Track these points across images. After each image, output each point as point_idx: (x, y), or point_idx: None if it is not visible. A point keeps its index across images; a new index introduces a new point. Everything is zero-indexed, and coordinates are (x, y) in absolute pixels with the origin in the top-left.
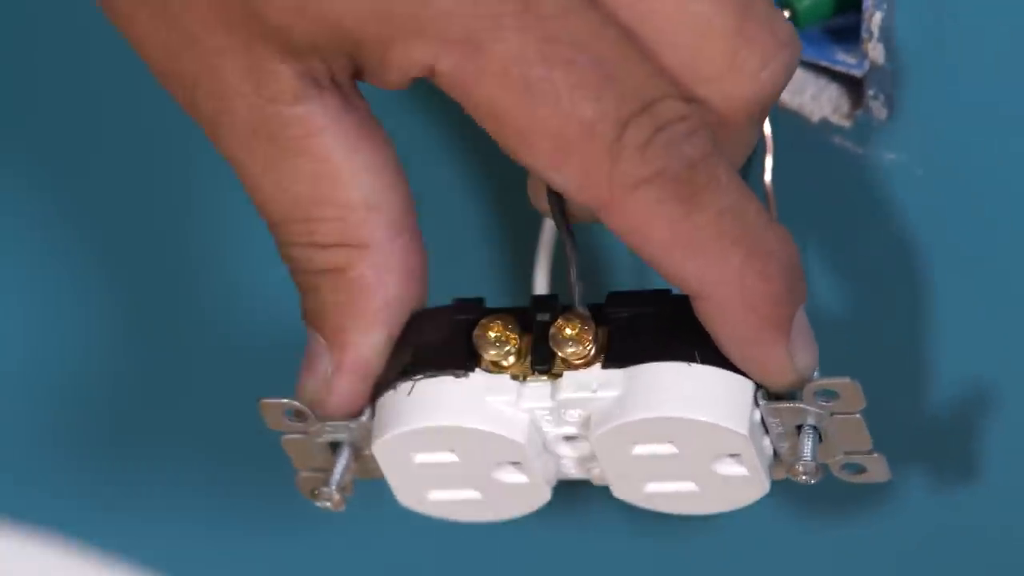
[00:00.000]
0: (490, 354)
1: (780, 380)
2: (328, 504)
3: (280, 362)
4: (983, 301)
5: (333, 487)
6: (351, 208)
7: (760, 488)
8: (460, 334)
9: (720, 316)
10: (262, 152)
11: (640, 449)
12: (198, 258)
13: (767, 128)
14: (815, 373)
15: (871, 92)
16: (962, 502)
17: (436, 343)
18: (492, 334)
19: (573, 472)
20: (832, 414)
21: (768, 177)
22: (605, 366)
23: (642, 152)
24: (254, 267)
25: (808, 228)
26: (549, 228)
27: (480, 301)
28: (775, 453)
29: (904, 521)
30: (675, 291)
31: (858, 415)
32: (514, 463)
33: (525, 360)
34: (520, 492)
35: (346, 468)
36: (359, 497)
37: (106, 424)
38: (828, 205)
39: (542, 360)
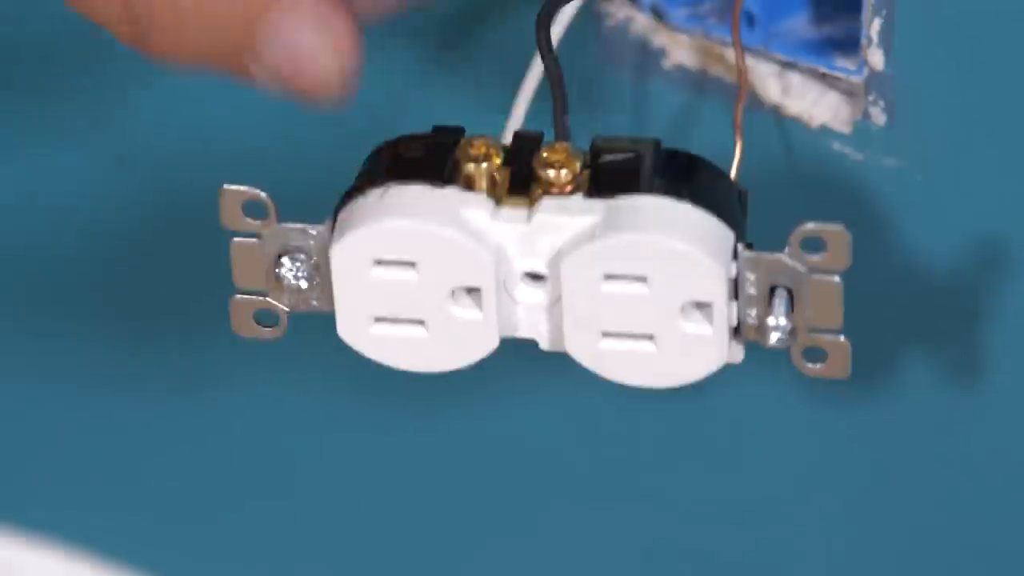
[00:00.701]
0: (470, 168)
1: None
2: (274, 329)
3: None
4: (982, 307)
5: (281, 299)
6: None
7: (717, 358)
8: (440, 151)
9: None
10: None
11: (609, 287)
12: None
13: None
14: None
15: (871, 98)
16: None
17: (414, 158)
18: (474, 151)
19: (523, 329)
20: (812, 273)
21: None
22: (588, 196)
23: None
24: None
25: None
26: (534, 74)
27: (460, 129)
28: (738, 328)
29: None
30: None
31: (838, 279)
32: (473, 291)
33: (503, 185)
34: (469, 334)
35: (294, 281)
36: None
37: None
38: (827, 211)
39: (521, 182)
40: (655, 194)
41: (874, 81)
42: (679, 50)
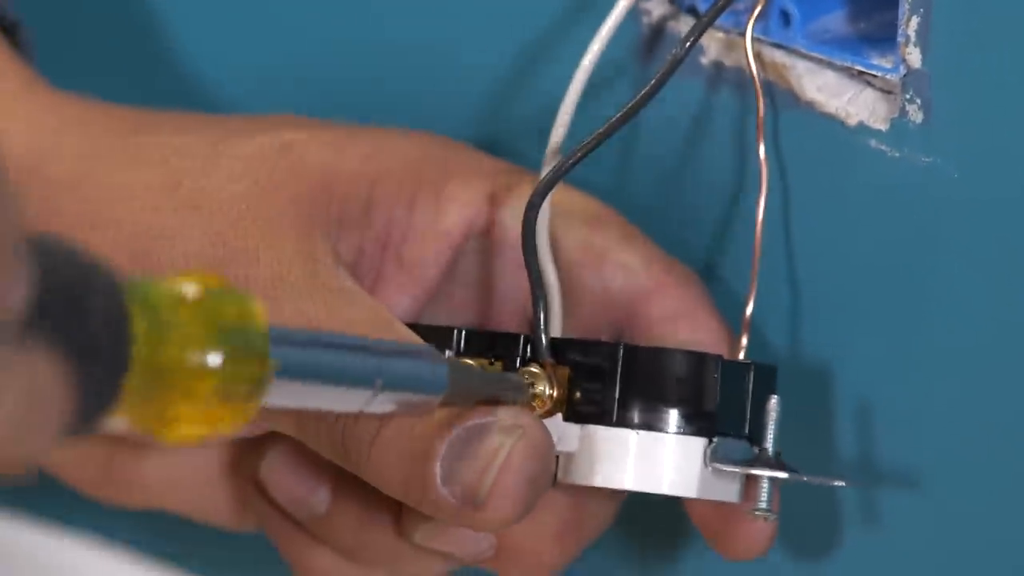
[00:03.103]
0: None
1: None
2: None
3: None
4: (1019, 302)
5: None
6: None
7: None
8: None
9: None
10: None
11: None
12: None
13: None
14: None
15: (907, 95)
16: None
17: None
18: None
19: None
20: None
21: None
22: (566, 419)
23: None
24: None
25: (845, 231)
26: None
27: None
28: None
29: None
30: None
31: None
32: None
33: None
34: None
35: None
36: None
37: None
38: (864, 208)
39: None
40: (618, 425)
41: (911, 79)
42: (717, 47)
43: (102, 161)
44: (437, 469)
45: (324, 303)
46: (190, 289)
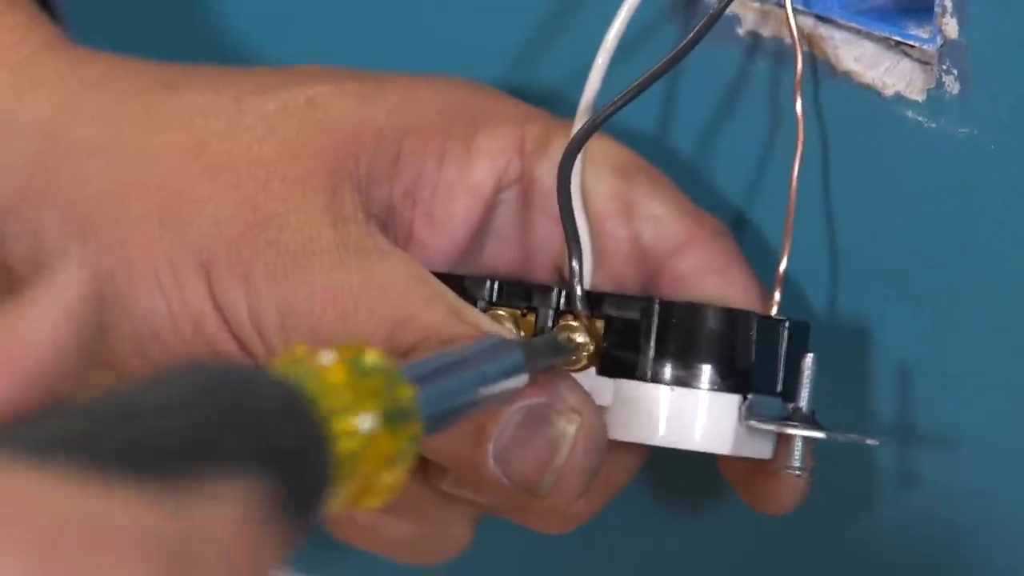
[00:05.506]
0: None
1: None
2: None
3: None
4: None
5: None
6: None
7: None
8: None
9: None
10: None
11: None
12: None
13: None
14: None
15: (944, 66)
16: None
17: None
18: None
19: None
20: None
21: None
22: (600, 372)
23: None
24: None
25: (881, 202)
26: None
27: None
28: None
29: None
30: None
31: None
32: None
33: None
34: None
35: None
36: None
37: None
38: (900, 179)
39: None
40: (652, 380)
41: (948, 50)
42: (753, 17)
43: (126, 124)
44: (490, 448)
45: (357, 267)
46: (366, 380)
